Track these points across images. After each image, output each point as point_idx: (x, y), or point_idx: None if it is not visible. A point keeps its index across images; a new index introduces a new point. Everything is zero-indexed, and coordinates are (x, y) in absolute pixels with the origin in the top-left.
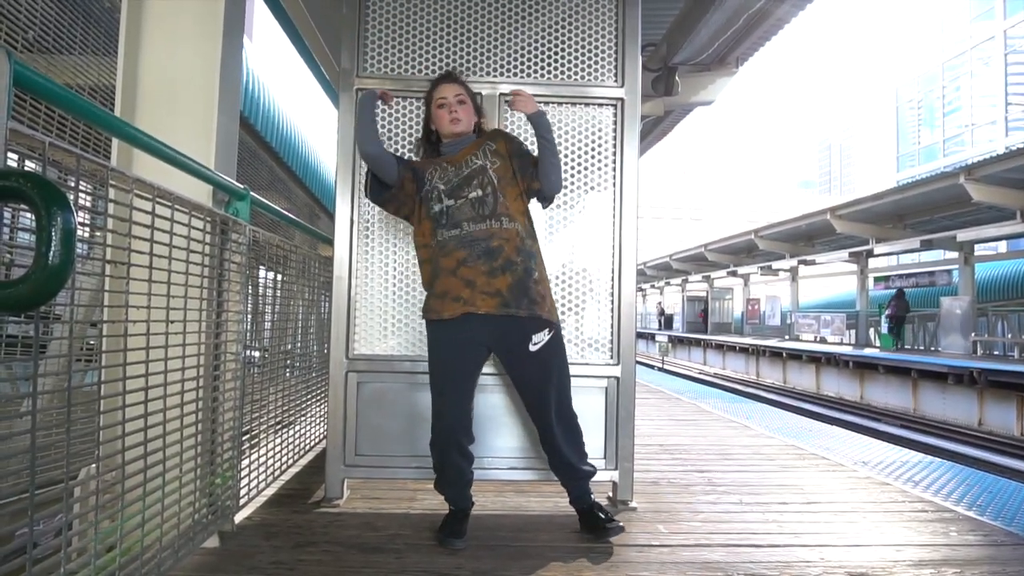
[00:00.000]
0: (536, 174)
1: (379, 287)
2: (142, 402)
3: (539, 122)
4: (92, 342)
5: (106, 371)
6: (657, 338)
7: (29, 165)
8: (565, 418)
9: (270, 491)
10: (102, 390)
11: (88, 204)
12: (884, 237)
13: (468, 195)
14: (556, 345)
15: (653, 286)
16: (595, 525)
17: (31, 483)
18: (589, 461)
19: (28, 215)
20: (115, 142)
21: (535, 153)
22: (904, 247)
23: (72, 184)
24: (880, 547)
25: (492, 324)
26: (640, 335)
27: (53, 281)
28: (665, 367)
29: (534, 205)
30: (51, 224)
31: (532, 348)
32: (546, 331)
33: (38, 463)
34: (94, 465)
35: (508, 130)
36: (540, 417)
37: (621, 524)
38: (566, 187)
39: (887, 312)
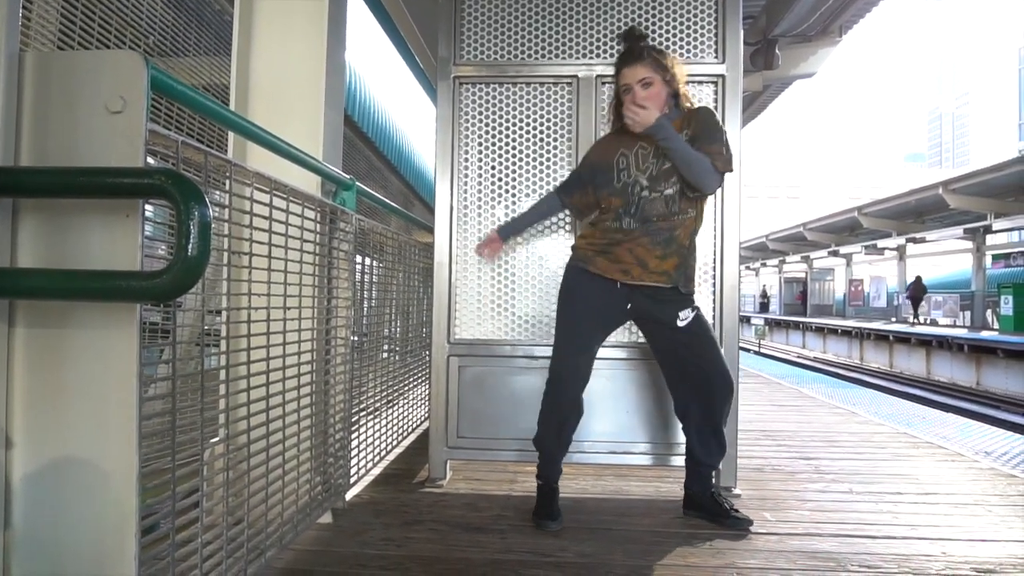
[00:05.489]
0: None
1: (475, 272)
2: (263, 384)
3: (657, 135)
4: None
5: (229, 355)
6: (753, 321)
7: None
8: (710, 396)
9: (376, 470)
10: (227, 373)
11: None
12: (1004, 212)
13: (664, 191)
14: (702, 322)
15: (748, 267)
16: (719, 512)
17: (172, 459)
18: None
19: (149, 209)
20: (231, 137)
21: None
22: None
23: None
24: (1009, 543)
25: (642, 294)
26: None
27: (192, 272)
28: (762, 351)
29: None
30: (189, 218)
31: (680, 324)
32: (690, 309)
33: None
34: (221, 443)
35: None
36: (682, 390)
37: (750, 517)
38: None
39: (906, 294)
